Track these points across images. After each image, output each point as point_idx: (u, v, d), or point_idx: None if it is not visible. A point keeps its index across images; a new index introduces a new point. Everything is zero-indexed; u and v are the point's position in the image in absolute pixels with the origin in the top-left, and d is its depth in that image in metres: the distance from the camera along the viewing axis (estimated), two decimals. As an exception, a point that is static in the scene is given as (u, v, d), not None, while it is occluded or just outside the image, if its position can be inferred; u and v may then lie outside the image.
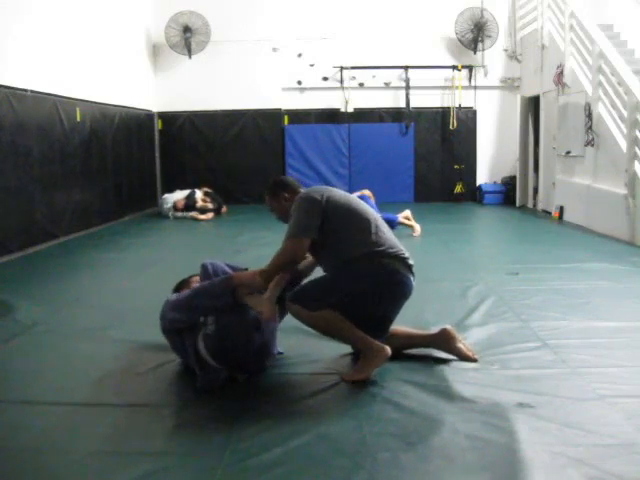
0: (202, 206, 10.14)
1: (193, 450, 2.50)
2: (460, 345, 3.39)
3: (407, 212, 8.33)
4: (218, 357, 3.08)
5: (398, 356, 3.40)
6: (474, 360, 3.35)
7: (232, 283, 3.10)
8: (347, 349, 3.48)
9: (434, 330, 3.47)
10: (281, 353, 3.49)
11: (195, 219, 9.84)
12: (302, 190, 3.38)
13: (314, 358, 3.48)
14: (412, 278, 3.29)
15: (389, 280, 3.19)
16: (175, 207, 10.02)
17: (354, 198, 3.41)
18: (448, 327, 3.45)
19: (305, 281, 3.37)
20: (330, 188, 3.40)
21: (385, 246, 3.20)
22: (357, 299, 3.19)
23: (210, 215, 10.09)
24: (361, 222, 3.23)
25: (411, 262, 3.28)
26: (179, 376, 3.27)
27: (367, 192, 8.34)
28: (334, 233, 3.20)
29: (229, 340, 3.07)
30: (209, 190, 10.45)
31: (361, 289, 3.18)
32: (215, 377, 3.10)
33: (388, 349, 3.18)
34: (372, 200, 8.17)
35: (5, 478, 2.34)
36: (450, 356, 3.42)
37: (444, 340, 3.39)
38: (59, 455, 2.48)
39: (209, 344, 3.07)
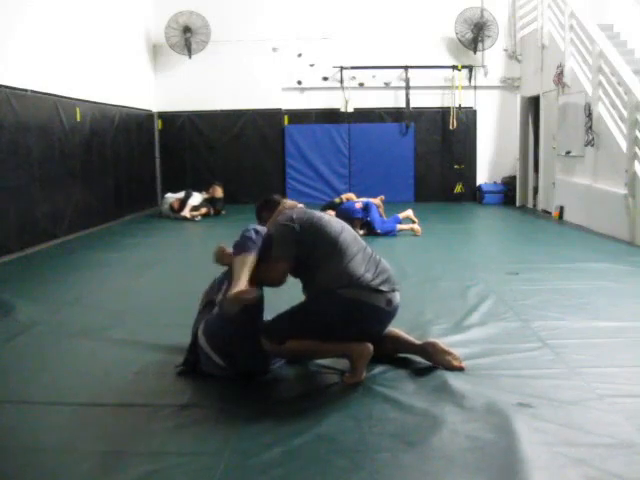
0: (213, 197, 10.27)
1: (193, 450, 2.50)
2: (447, 357, 3.28)
3: (409, 212, 8.30)
4: (212, 341, 3.17)
5: (397, 356, 3.40)
6: (461, 369, 3.26)
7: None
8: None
9: (419, 341, 3.40)
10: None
11: (187, 218, 9.80)
12: (283, 202, 3.40)
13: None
14: (384, 303, 3.14)
15: (352, 311, 3.10)
16: (172, 208, 10.00)
17: (328, 219, 3.31)
18: (432, 341, 3.38)
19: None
20: (306, 211, 3.33)
21: (354, 276, 3.10)
22: (327, 329, 3.13)
23: (203, 210, 10.06)
24: (332, 252, 3.15)
25: (384, 288, 3.14)
26: (179, 376, 3.26)
27: (376, 201, 8.23)
28: (308, 260, 3.16)
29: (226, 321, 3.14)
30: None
31: (327, 321, 3.12)
32: (193, 361, 3.26)
33: (369, 345, 3.14)
34: (380, 209, 8.12)
35: (5, 478, 2.34)
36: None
37: (428, 353, 3.32)
38: (59, 455, 2.48)
39: (208, 324, 3.20)
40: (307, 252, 3.17)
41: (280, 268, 3.15)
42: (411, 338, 3.43)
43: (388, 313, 3.22)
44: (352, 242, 3.26)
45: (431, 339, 3.44)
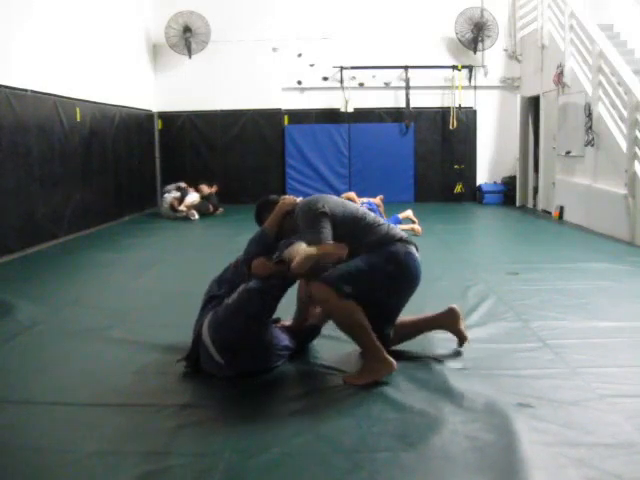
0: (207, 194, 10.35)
1: (193, 450, 2.50)
2: (462, 327, 3.54)
3: (409, 212, 8.31)
4: (216, 336, 3.16)
5: (398, 356, 3.40)
6: (466, 339, 3.53)
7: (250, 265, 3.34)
8: (348, 348, 3.47)
9: (440, 310, 3.54)
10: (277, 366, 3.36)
11: (185, 215, 9.87)
12: (282, 199, 3.47)
13: (315, 357, 3.49)
14: (414, 249, 3.30)
15: (401, 259, 3.21)
16: (172, 207, 10.02)
17: (346, 202, 3.43)
18: (455, 306, 3.55)
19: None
20: (324, 196, 3.42)
21: (389, 233, 3.28)
22: (378, 282, 3.19)
23: (197, 202, 10.08)
24: (360, 221, 3.29)
25: (407, 239, 3.33)
26: (179, 376, 3.27)
27: (376, 201, 8.24)
28: (342, 235, 3.22)
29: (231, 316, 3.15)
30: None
31: (376, 277, 3.18)
32: (195, 358, 3.26)
33: (395, 364, 3.13)
34: (380, 209, 8.12)
35: (5, 478, 2.34)
36: (449, 357, 3.44)
37: (451, 319, 3.51)
38: (59, 455, 2.48)
39: (213, 320, 3.19)
40: (337, 228, 3.21)
41: (335, 247, 3.15)
42: (428, 314, 3.58)
43: (417, 270, 3.27)
44: (372, 215, 3.40)
45: (454, 305, 3.58)
